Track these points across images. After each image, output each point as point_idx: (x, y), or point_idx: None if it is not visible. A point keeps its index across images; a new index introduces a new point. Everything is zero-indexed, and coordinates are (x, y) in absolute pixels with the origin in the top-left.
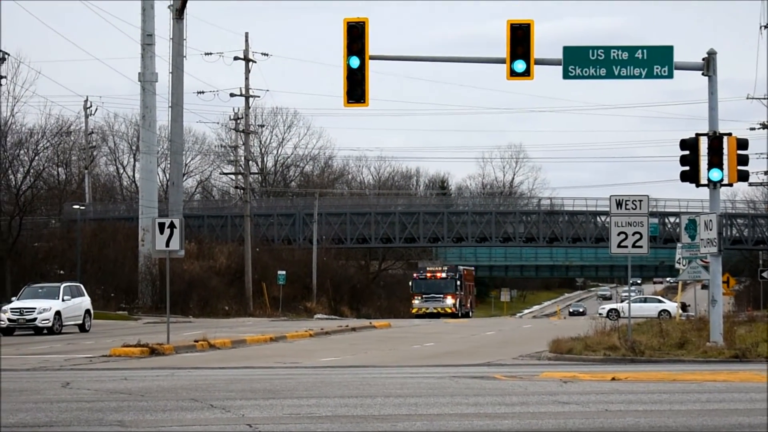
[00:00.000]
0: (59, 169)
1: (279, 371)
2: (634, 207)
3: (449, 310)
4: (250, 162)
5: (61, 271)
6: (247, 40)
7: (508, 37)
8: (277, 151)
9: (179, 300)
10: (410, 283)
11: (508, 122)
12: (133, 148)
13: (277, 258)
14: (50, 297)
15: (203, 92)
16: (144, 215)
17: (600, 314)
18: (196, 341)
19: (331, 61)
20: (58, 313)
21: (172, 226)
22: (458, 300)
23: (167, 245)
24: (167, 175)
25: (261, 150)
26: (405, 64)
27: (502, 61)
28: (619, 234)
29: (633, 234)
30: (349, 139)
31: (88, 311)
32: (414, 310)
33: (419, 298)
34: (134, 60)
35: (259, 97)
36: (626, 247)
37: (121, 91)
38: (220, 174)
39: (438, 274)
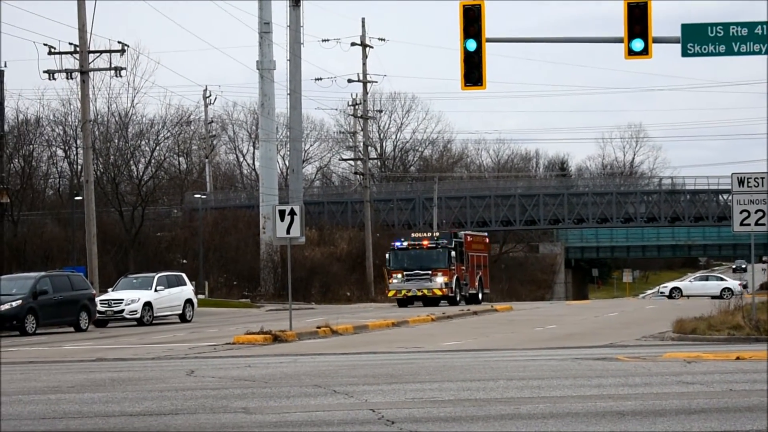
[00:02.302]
0: (180, 158)
1: (401, 356)
2: (756, 185)
3: (439, 292)
4: (369, 147)
5: (184, 260)
6: (363, 26)
7: (625, 16)
8: (396, 135)
9: (301, 287)
10: (386, 256)
11: (626, 101)
12: (253, 136)
13: None
14: (143, 288)
15: (321, 79)
16: (264, 203)
17: (662, 293)
18: (319, 327)
19: (448, 44)
20: (148, 304)
21: (292, 213)
22: (454, 278)
23: (288, 232)
24: (287, 163)
25: (380, 135)
26: (520, 46)
27: (620, 40)
28: (741, 212)
29: (756, 212)
30: (468, 122)
31: (189, 301)
32: (391, 293)
33: (398, 276)
34: (252, 48)
35: (376, 82)
36: (749, 225)
37: (239, 80)
38: (340, 160)
39: (424, 243)
